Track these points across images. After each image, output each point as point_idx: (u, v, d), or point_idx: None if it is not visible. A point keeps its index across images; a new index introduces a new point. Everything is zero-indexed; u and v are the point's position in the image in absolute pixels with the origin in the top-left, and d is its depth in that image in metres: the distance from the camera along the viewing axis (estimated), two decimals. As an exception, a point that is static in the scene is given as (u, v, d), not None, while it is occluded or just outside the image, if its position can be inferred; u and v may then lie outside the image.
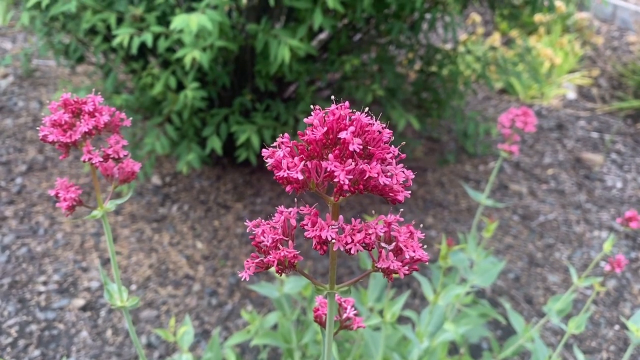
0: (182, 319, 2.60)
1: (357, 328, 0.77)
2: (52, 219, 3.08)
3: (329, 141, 0.56)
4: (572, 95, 4.96)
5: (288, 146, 0.59)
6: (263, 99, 3.07)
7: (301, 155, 0.57)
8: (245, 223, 0.66)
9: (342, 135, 0.54)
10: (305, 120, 0.59)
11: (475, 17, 5.17)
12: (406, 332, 1.36)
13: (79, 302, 2.66)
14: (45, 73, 4.43)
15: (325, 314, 0.75)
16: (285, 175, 0.56)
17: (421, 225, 0.68)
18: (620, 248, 3.33)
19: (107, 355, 2.45)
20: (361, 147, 0.54)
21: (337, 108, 0.57)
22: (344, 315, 0.78)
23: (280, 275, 0.60)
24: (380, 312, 1.65)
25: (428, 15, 3.06)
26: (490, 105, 4.72)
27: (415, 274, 1.51)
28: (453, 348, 2.47)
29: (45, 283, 2.73)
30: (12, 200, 3.17)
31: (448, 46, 4.69)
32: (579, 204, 3.67)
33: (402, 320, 2.59)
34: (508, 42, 4.01)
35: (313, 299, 1.94)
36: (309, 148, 0.56)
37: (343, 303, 0.79)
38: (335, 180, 0.54)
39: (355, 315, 0.78)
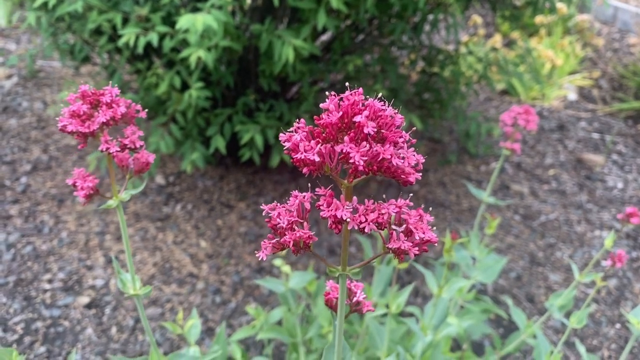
0: (187, 316, 2.62)
1: (366, 311, 0.79)
2: (56, 218, 3.10)
3: (344, 125, 0.58)
4: (573, 96, 4.98)
5: (304, 131, 0.61)
6: (266, 99, 3.10)
7: (317, 139, 0.60)
8: (262, 207, 0.68)
9: (357, 118, 0.57)
10: (321, 105, 0.61)
11: (477, 18, 5.20)
12: (410, 325, 1.38)
13: (84, 299, 2.68)
14: (49, 74, 4.46)
15: (336, 298, 0.77)
16: (302, 157, 0.58)
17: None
18: (621, 248, 3.34)
19: (112, 352, 2.47)
20: (375, 130, 0.57)
21: (351, 94, 0.60)
22: (354, 299, 0.80)
23: (296, 255, 0.62)
24: (385, 307, 1.67)
25: (430, 17, 3.09)
26: (492, 106, 4.75)
27: (419, 267, 1.52)
28: (456, 346, 2.49)
29: (50, 281, 2.75)
30: (17, 199, 3.19)
31: (450, 47, 4.72)
32: (580, 204, 3.69)
33: (405, 317, 2.60)
34: (509, 44, 4.04)
35: (318, 295, 1.96)
36: (325, 131, 0.59)
37: (353, 287, 0.82)
38: (351, 161, 0.57)
39: (365, 299, 0.81)
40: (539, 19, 4.90)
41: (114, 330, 2.57)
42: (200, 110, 2.95)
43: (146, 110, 3.13)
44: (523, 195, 3.73)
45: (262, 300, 2.78)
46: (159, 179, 3.46)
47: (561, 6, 4.99)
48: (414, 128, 0.69)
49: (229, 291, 2.81)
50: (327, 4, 2.43)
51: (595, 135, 4.46)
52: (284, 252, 1.73)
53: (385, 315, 1.97)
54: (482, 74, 3.58)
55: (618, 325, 2.82)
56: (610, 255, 1.59)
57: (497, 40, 5.05)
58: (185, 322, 1.58)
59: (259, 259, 2.99)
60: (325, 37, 3.47)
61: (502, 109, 4.70)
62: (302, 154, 0.58)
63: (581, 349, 1.49)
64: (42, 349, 2.42)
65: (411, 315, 2.60)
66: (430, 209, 0.71)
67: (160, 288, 2.79)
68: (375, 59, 3.14)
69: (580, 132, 4.51)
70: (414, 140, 0.61)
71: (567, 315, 2.59)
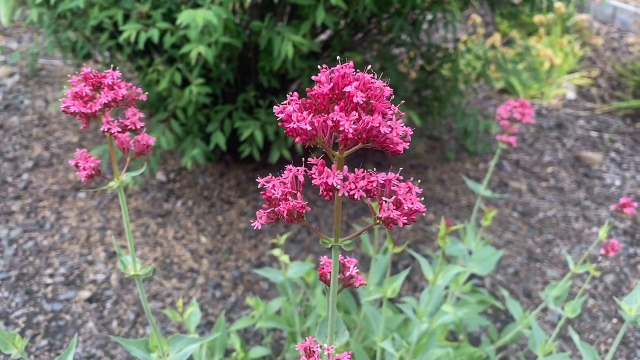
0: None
1: (359, 285, 0.82)
2: (58, 214, 3.13)
3: (335, 96, 0.61)
4: (571, 95, 5.01)
5: (297, 102, 0.64)
6: (266, 96, 3.12)
7: (309, 110, 0.62)
8: (257, 179, 0.71)
9: (347, 89, 0.60)
10: (313, 77, 0.64)
11: (476, 18, 5.23)
12: (406, 310, 1.41)
13: (85, 294, 2.70)
14: (50, 72, 4.49)
15: (330, 272, 0.79)
16: (295, 126, 0.61)
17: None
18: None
19: (113, 345, 2.49)
20: (364, 99, 0.59)
21: (342, 67, 0.62)
22: (347, 274, 0.83)
23: (290, 224, 0.65)
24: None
25: (430, 16, 3.12)
26: (491, 105, 4.78)
27: (415, 254, 1.55)
28: (453, 338, 2.51)
29: (51, 275, 2.78)
30: (18, 195, 3.22)
31: (449, 45, 4.75)
32: (578, 201, 3.71)
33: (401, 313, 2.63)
34: (508, 43, 4.07)
35: (316, 285, 1.99)
36: (317, 102, 0.61)
37: (346, 263, 0.84)
38: (341, 129, 0.59)
39: (357, 274, 0.83)
40: (538, 18, 4.93)
41: (114, 324, 2.59)
42: (201, 106, 2.97)
43: (147, 106, 3.12)
44: (521, 192, 3.75)
45: (262, 294, 2.80)
46: (160, 176, 3.49)
47: (559, 5, 5.02)
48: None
49: (229, 286, 2.84)
50: (326, 1, 2.45)
51: (594, 134, 4.49)
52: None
53: (382, 304, 1.99)
54: (480, 72, 3.61)
55: (615, 320, 2.84)
56: (604, 245, 1.61)
57: (496, 39, 5.08)
58: (185, 309, 1.60)
59: (258, 254, 3.01)
60: (324, 36, 3.50)
61: (501, 108, 4.72)
62: (294, 123, 0.61)
63: (574, 336, 1.51)
64: (44, 342, 2.45)
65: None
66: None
67: (161, 283, 2.81)
68: (374, 56, 3.17)
69: (578, 131, 4.53)
70: (402, 114, 0.64)
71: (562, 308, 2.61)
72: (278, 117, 0.63)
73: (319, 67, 2.29)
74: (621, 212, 1.67)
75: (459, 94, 3.59)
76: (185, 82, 2.87)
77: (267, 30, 2.56)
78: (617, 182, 3.92)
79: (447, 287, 2.14)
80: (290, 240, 3.13)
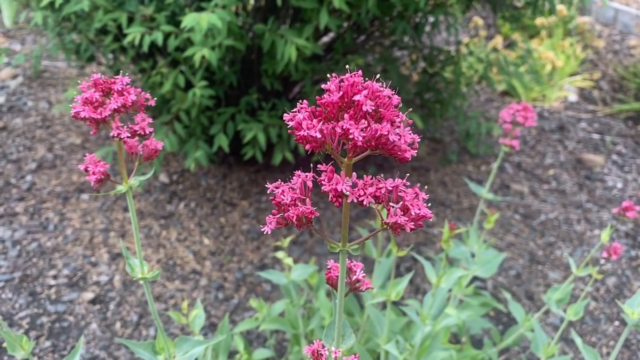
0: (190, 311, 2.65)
1: (365, 289, 0.83)
2: (61, 215, 3.14)
3: (344, 104, 0.62)
4: (573, 97, 5.01)
5: (307, 110, 0.65)
6: (269, 98, 3.13)
7: (319, 118, 0.63)
8: (267, 185, 0.72)
9: (357, 97, 0.61)
10: (323, 86, 0.65)
11: (478, 20, 5.24)
12: (410, 313, 1.42)
13: (89, 295, 2.71)
14: (53, 74, 4.51)
15: (337, 276, 0.80)
16: (305, 134, 0.62)
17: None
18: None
19: (117, 347, 2.50)
20: (373, 108, 0.61)
21: (351, 75, 0.64)
22: (354, 278, 0.84)
23: (300, 230, 0.66)
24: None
25: (432, 19, 3.13)
26: (493, 107, 4.78)
27: (419, 257, 1.56)
28: (455, 341, 2.52)
29: (55, 277, 2.79)
30: (22, 196, 3.23)
31: (451, 48, 4.76)
32: (580, 203, 3.72)
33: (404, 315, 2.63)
34: (510, 45, 4.08)
35: (320, 287, 1.99)
36: (327, 110, 0.63)
37: (353, 267, 0.85)
38: (350, 137, 0.60)
39: (364, 277, 0.84)
40: (539, 20, 4.94)
41: (118, 325, 2.60)
42: (204, 109, 2.98)
43: (150, 109, 3.13)
44: (523, 195, 3.76)
45: (265, 296, 2.81)
46: (163, 178, 3.50)
47: (561, 8, 5.03)
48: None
49: (231, 287, 2.85)
50: (330, 4, 2.46)
51: (595, 136, 4.50)
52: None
53: (385, 307, 2.00)
54: (482, 74, 3.62)
55: (617, 323, 2.85)
56: (606, 248, 1.62)
57: (498, 41, 5.09)
58: (189, 311, 1.61)
59: (261, 255, 3.02)
60: (327, 39, 3.51)
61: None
62: (304, 131, 0.62)
63: (577, 339, 1.52)
64: (48, 344, 2.46)
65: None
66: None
67: (164, 284, 2.82)
68: (376, 59, 3.18)
69: (580, 133, 4.54)
70: (410, 121, 0.65)
71: (565, 311, 2.61)
72: (288, 125, 0.65)
73: (321, 69, 2.31)
74: (623, 216, 1.68)
75: (461, 97, 3.61)
76: (189, 85, 2.88)
77: (271, 33, 2.57)
78: (619, 185, 3.93)
79: (449, 290, 2.15)
80: (292, 242, 3.14)
